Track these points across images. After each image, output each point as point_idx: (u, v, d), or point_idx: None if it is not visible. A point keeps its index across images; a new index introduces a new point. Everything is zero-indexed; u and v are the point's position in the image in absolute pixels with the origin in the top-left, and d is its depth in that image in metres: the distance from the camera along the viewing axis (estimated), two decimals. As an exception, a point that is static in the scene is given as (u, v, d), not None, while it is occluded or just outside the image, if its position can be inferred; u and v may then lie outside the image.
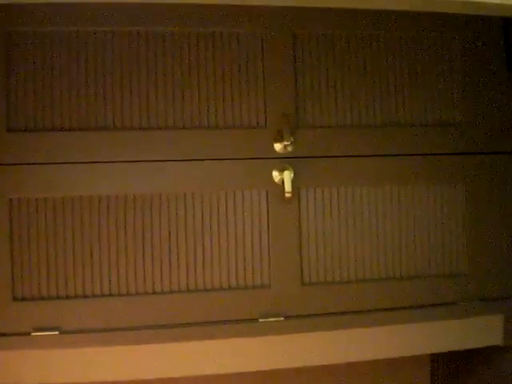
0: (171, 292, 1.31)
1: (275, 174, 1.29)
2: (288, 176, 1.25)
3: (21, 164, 1.26)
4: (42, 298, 1.29)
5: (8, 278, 1.28)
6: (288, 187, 1.24)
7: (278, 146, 1.30)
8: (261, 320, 1.33)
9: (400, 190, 1.37)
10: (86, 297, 1.30)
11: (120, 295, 1.30)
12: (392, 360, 1.49)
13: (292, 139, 1.27)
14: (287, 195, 1.24)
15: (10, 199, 1.27)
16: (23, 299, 1.29)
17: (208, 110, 1.31)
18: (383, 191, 1.37)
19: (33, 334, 1.29)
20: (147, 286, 1.31)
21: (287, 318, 1.33)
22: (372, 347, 1.37)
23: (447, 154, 1.38)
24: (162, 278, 1.31)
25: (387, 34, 1.38)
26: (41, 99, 1.27)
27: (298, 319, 1.34)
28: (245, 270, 1.32)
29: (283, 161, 1.30)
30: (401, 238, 1.38)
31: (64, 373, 1.30)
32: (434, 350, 1.41)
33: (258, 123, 1.32)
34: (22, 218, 1.28)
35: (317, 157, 1.32)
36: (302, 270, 1.34)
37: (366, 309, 1.37)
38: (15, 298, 1.29)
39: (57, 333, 1.29)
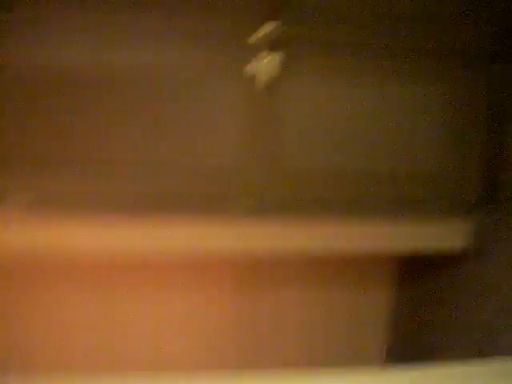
0: (151, 163, 1.28)
1: (261, 60, 1.27)
2: (267, 65, 1.25)
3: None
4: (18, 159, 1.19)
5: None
6: (270, 74, 1.25)
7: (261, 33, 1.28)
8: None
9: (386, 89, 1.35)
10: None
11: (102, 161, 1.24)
12: (355, 257, 1.50)
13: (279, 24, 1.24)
14: (265, 84, 1.25)
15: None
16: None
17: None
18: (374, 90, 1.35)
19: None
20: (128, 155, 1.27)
21: (258, 201, 1.33)
22: (336, 240, 1.38)
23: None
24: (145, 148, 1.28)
25: None
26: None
27: (269, 204, 1.33)
28: (215, 149, 1.30)
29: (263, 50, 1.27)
30: (379, 130, 1.36)
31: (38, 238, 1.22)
32: (399, 249, 1.44)
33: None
34: None
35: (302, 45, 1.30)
36: (274, 155, 1.32)
37: (338, 198, 1.36)
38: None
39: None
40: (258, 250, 1.35)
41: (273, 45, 1.26)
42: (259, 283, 1.59)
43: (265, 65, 1.28)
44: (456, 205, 1.43)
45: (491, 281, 1.40)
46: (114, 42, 1.22)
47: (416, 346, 1.63)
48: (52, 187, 1.24)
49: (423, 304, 1.60)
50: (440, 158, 1.41)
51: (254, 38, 1.26)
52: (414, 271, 1.61)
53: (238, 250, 1.34)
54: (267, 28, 1.26)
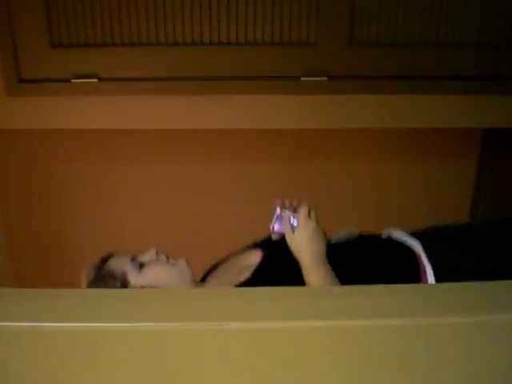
0: (212, 44, 1.25)
1: None
2: None
3: None
4: (81, 45, 1.25)
5: (45, 24, 1.24)
6: None
7: None
8: (303, 78, 1.26)
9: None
10: (124, 45, 1.25)
11: (159, 44, 1.25)
12: (441, 132, 1.42)
13: None
14: None
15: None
16: (62, 45, 1.26)
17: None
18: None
19: (72, 80, 1.28)
20: (186, 37, 1.25)
21: (331, 77, 1.26)
22: (424, 115, 1.31)
23: None
24: (201, 28, 1.24)
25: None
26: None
27: (343, 80, 1.26)
28: (291, 25, 1.23)
29: None
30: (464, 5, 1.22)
31: (101, 119, 1.30)
32: (486, 124, 1.33)
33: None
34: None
35: None
36: (351, 29, 1.23)
37: (419, 75, 1.27)
38: (54, 45, 1.25)
39: (96, 80, 1.27)
40: (336, 120, 1.32)
41: None
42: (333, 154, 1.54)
43: None
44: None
45: None
46: None
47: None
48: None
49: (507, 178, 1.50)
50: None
51: None
52: (498, 144, 1.49)
53: (315, 120, 1.32)
54: None
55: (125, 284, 0.91)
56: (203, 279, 1.00)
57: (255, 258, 0.94)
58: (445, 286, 0.62)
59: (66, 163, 1.52)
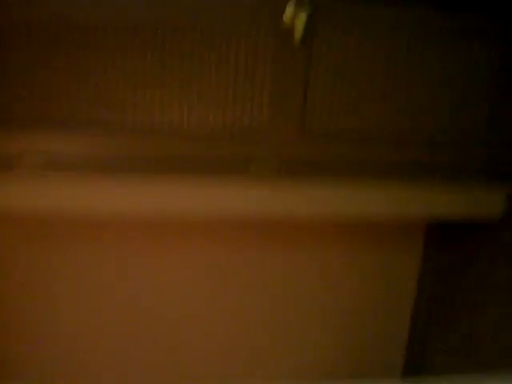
0: (163, 129, 1.26)
1: (288, 12, 1.20)
2: (302, 17, 1.17)
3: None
4: (32, 121, 1.25)
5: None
6: (300, 30, 1.17)
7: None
8: (252, 167, 1.28)
9: (417, 44, 1.28)
10: (75, 121, 1.25)
11: (114, 122, 1.25)
12: (384, 223, 1.46)
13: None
14: (297, 38, 1.18)
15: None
16: (12, 121, 1.24)
17: None
18: (400, 43, 1.28)
19: (22, 156, 1.25)
20: (138, 118, 1.25)
21: (283, 163, 1.29)
22: (370, 205, 1.33)
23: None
24: (153, 113, 1.26)
25: None
26: None
27: (295, 166, 1.29)
28: (242, 111, 1.27)
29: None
30: (412, 95, 1.30)
31: (51, 198, 1.27)
32: (432, 215, 1.37)
33: None
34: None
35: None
36: (304, 118, 1.28)
37: (368, 160, 1.32)
38: (3, 121, 1.24)
39: (45, 157, 1.25)
40: (281, 212, 1.32)
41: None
42: (280, 246, 1.55)
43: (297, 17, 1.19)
44: (492, 170, 1.35)
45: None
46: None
47: (442, 313, 1.58)
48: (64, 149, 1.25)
49: (453, 271, 1.54)
50: (477, 122, 1.35)
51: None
52: (446, 237, 1.54)
53: (263, 211, 1.32)
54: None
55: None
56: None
57: None
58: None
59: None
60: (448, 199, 1.36)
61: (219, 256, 1.57)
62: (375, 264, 1.60)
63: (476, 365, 1.44)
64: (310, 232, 1.53)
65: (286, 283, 1.62)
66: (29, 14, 1.19)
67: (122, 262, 1.55)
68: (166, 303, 1.59)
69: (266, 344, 1.64)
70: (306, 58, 1.27)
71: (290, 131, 1.29)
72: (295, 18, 1.21)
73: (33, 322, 1.55)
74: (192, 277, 1.59)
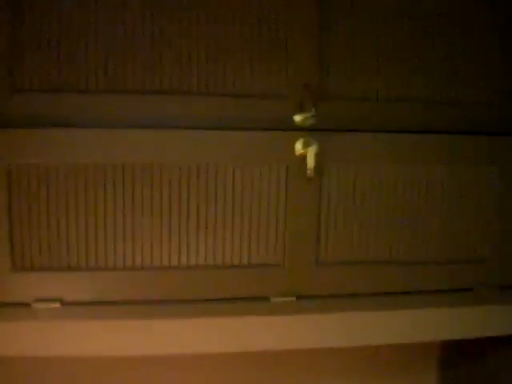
0: (178, 267, 1.25)
1: (298, 147, 1.21)
2: (312, 151, 1.17)
3: (25, 127, 1.17)
4: (43, 269, 1.23)
5: (7, 247, 1.21)
6: (311, 164, 1.17)
7: (298, 118, 1.21)
8: (272, 299, 1.27)
9: (429, 170, 1.29)
10: (89, 269, 1.23)
11: (125, 269, 1.24)
12: (399, 345, 1.45)
13: (314, 111, 1.18)
14: (309, 172, 1.17)
15: (9, 164, 1.18)
16: (23, 269, 1.23)
17: (224, 76, 1.22)
18: (411, 170, 1.29)
19: (34, 305, 1.23)
20: (154, 260, 1.25)
21: (299, 297, 1.28)
22: (384, 331, 1.32)
23: (481, 133, 1.30)
24: (170, 252, 1.25)
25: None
26: (49, 55, 1.17)
27: (311, 299, 1.28)
28: (258, 247, 1.26)
29: (306, 134, 1.22)
30: (423, 221, 1.31)
31: (64, 346, 1.24)
32: (447, 336, 1.37)
33: (278, 93, 1.23)
34: (22, 186, 1.20)
35: (342, 130, 1.24)
36: (318, 250, 1.28)
37: (381, 291, 1.32)
38: (15, 268, 1.22)
39: (58, 304, 1.23)
40: (296, 342, 1.30)
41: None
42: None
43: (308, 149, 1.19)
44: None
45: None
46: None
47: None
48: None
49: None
50: (490, 243, 1.36)
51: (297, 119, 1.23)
52: (462, 354, 1.53)
53: (281, 342, 1.29)
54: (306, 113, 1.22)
55: None
56: None
57: None
58: None
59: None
60: (463, 317, 1.36)
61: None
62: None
63: None
64: (320, 357, 1.51)
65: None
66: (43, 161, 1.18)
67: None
68: None
69: None
70: (319, 190, 1.26)
71: (305, 264, 1.28)
72: (306, 152, 1.21)
73: None
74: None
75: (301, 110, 1.22)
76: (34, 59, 1.19)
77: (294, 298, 1.28)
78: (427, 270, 1.34)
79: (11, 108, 1.17)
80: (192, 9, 1.21)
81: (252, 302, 1.27)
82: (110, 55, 1.19)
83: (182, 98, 1.22)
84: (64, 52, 1.18)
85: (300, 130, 1.23)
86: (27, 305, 1.23)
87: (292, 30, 1.23)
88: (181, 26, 1.20)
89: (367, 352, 1.47)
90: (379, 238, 1.31)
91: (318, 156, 1.23)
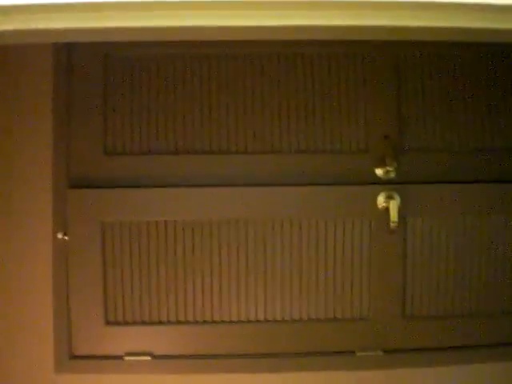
0: (266, 321, 1.27)
1: (380, 200, 1.22)
2: (394, 204, 1.18)
3: (115, 187, 1.25)
4: (135, 323, 1.27)
5: (101, 302, 1.27)
6: (394, 216, 1.17)
7: (380, 172, 1.23)
8: (358, 353, 1.26)
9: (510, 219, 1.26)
10: (178, 323, 1.27)
11: (213, 322, 1.27)
12: None
13: (395, 164, 1.20)
14: (392, 225, 1.17)
15: (102, 222, 1.25)
16: (116, 323, 1.28)
17: (306, 134, 1.26)
18: (490, 220, 1.26)
19: (125, 358, 1.27)
20: (241, 315, 1.27)
21: (386, 352, 1.26)
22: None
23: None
24: (256, 306, 1.27)
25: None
26: (132, 124, 1.26)
27: (398, 354, 1.26)
28: (343, 301, 1.26)
29: (388, 187, 1.23)
30: (502, 272, 1.27)
31: None
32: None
33: (358, 148, 1.25)
34: (115, 242, 1.26)
35: (423, 182, 1.24)
36: (404, 303, 1.26)
37: (472, 344, 1.28)
38: (108, 322, 1.27)
39: (148, 358, 1.27)
40: None
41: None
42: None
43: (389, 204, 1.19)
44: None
45: None
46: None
47: None
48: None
49: None
50: None
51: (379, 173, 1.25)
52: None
53: None
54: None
55: None
56: None
57: None
58: None
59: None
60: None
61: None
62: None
63: None
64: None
65: None
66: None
67: None
68: None
69: None
70: (402, 242, 1.26)
71: (392, 317, 1.27)
72: (388, 204, 1.22)
73: None
74: None
75: (382, 164, 1.24)
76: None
77: (381, 352, 1.27)
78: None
79: (103, 170, 1.25)
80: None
81: (338, 356, 1.27)
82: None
83: (274, 157, 1.27)
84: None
85: (381, 183, 1.25)
86: (118, 357, 1.28)
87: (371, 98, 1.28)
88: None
89: None
90: (464, 291, 1.29)
91: (400, 208, 1.23)
